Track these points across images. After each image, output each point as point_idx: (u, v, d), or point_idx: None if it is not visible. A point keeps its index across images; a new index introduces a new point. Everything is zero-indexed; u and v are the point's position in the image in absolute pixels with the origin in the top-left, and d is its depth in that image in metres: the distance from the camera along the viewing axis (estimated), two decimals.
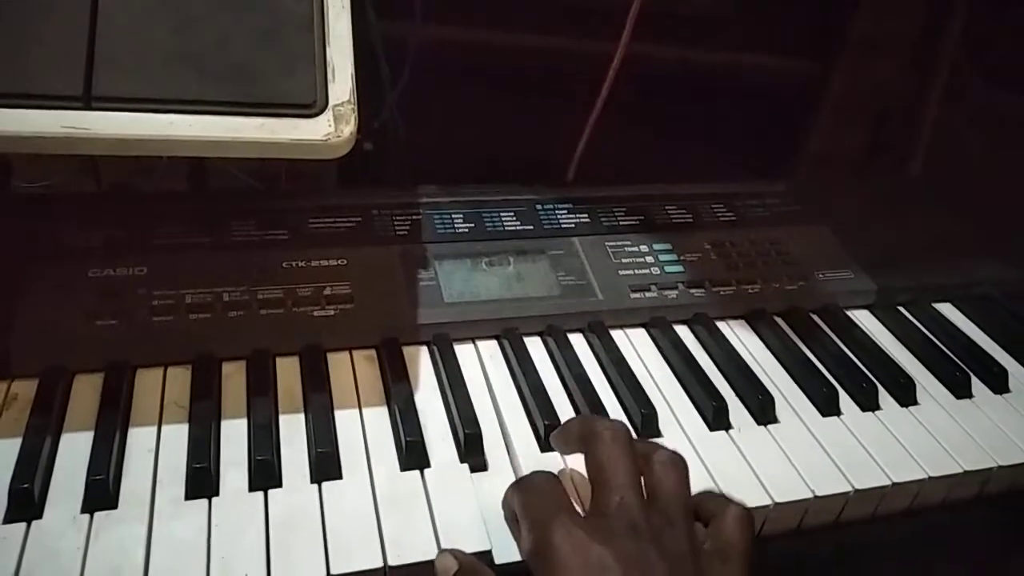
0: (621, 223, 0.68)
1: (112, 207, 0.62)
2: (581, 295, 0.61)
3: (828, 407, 0.57)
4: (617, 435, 0.42)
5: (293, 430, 0.50)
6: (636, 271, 0.64)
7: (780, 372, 0.60)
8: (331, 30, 0.47)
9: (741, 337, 0.63)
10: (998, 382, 0.61)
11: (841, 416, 0.56)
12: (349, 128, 0.46)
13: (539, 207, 0.68)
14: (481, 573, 0.41)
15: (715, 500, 0.43)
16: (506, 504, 0.45)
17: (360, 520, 0.45)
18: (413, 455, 0.48)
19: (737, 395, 0.57)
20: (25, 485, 0.43)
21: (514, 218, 0.66)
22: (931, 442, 0.55)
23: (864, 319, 0.67)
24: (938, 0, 0.87)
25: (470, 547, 0.43)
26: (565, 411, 0.54)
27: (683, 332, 0.62)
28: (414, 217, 0.64)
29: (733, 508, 0.41)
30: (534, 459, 0.50)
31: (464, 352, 0.57)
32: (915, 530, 0.54)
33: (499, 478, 0.48)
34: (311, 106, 0.45)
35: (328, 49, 0.47)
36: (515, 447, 0.51)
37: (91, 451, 0.46)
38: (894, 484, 0.51)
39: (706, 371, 0.58)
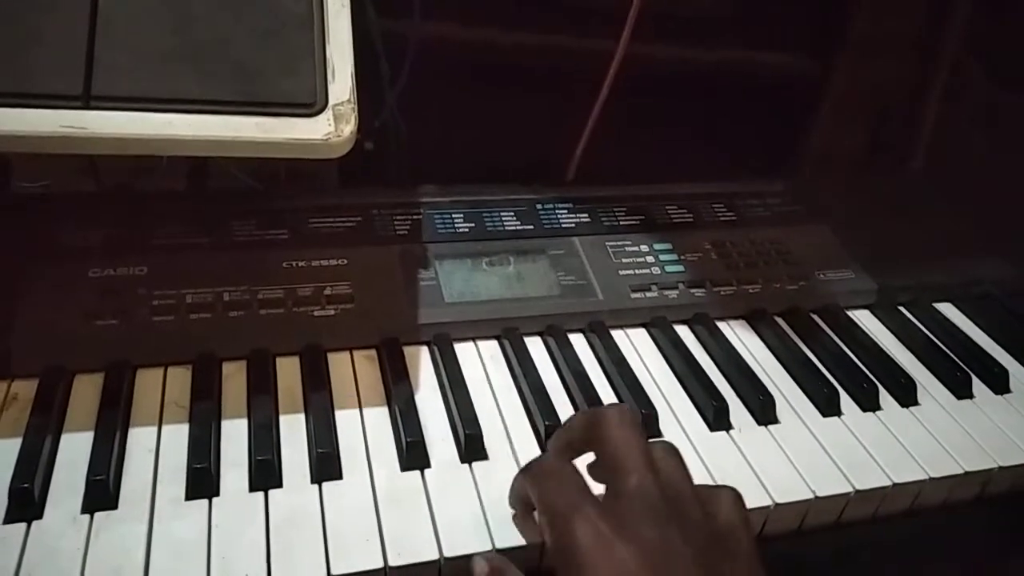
0: (621, 223, 0.68)
1: (112, 207, 0.61)
2: (581, 295, 0.61)
3: (829, 407, 0.57)
4: (624, 417, 0.41)
5: (293, 430, 0.50)
6: (636, 271, 0.64)
7: (781, 372, 0.60)
8: (331, 29, 0.47)
9: (742, 337, 0.63)
10: (999, 382, 0.61)
11: (842, 416, 0.56)
12: (349, 127, 0.46)
13: (539, 207, 0.68)
14: (509, 573, 0.41)
15: (705, 487, 0.42)
16: (515, 493, 0.44)
17: (361, 520, 0.44)
18: (413, 455, 0.48)
19: (738, 395, 0.57)
20: (25, 485, 0.43)
21: (514, 218, 0.66)
22: (932, 442, 0.55)
23: (864, 319, 0.67)
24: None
25: (470, 548, 0.43)
26: (565, 411, 0.54)
27: (683, 332, 0.62)
28: (414, 217, 0.64)
29: (725, 491, 0.41)
30: None
31: (464, 352, 0.57)
32: (915, 531, 0.53)
33: (500, 478, 0.48)
34: (311, 105, 0.45)
35: (328, 48, 0.47)
36: (516, 447, 0.51)
37: (91, 451, 0.46)
38: (895, 485, 0.51)
39: (707, 371, 0.58)
